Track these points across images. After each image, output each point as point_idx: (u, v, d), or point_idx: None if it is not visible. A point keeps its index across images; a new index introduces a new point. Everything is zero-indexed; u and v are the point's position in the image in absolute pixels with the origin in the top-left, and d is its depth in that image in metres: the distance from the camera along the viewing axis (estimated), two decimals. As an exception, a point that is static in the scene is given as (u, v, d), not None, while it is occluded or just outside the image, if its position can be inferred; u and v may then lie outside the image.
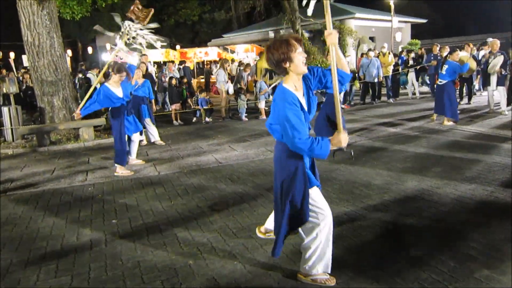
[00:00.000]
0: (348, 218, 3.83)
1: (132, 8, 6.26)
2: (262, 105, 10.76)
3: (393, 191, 4.49)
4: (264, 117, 10.50)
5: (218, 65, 12.61)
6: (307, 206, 2.58)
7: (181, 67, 15.31)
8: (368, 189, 4.59)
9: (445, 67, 7.99)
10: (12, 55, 22.93)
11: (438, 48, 11.80)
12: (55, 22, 8.94)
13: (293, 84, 2.48)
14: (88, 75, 11.69)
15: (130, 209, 4.44)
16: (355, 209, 4.03)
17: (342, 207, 4.11)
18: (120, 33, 6.14)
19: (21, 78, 15.77)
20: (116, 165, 5.92)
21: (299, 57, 2.42)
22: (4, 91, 9.61)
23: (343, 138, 2.40)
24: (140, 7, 6.28)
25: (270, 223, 3.37)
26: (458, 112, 8.69)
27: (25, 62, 21.95)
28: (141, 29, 6.19)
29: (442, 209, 3.94)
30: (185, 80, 12.06)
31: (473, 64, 8.30)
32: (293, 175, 2.53)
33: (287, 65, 2.42)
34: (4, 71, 17.62)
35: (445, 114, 8.08)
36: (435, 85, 12.46)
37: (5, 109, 8.77)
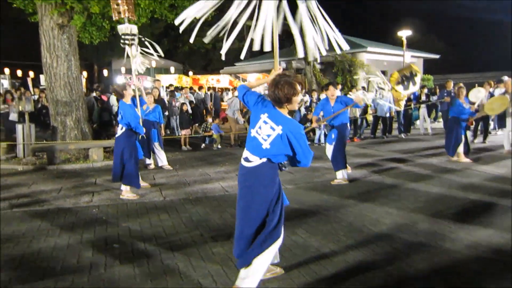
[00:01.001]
0: (355, 260, 3.66)
1: (113, 12, 6.30)
2: None
3: (403, 233, 4.33)
4: None
5: (232, 93, 12.74)
6: (282, 221, 2.92)
7: (209, 93, 15.64)
8: (377, 229, 4.45)
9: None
10: (31, 74, 23.61)
11: (452, 85, 11.77)
12: (74, 46, 9.21)
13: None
14: (112, 98, 11.99)
15: (133, 234, 4.37)
16: (362, 250, 3.89)
17: (349, 247, 3.95)
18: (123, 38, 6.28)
19: (37, 97, 16.12)
20: (122, 188, 5.87)
21: (297, 99, 2.82)
22: (20, 109, 9.79)
23: None
24: (117, 2, 6.26)
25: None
26: (473, 151, 8.63)
27: (42, 82, 22.55)
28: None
29: (455, 256, 3.71)
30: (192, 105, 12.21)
31: (504, 103, 8.13)
32: (279, 191, 2.90)
33: (286, 104, 2.81)
34: (22, 89, 18.09)
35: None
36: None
37: (19, 126, 8.92)
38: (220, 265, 3.57)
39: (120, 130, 5.76)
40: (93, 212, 5.16)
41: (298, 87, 2.78)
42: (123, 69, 24.49)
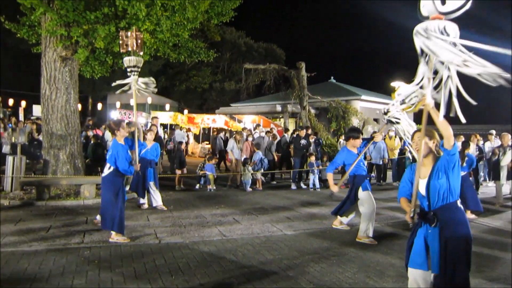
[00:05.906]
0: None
1: (121, 42, 6.37)
2: (258, 176, 10.80)
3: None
4: (260, 188, 10.59)
5: (229, 135, 12.77)
6: None
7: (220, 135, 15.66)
8: (382, 281, 4.30)
9: (466, 159, 7.60)
10: (23, 103, 23.47)
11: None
12: (75, 79, 9.19)
13: None
14: (106, 133, 11.78)
15: (127, 281, 4.12)
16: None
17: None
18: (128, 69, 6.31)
19: (28, 128, 15.92)
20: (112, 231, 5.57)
21: None
22: (13, 141, 9.58)
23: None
24: (127, 34, 6.34)
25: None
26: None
27: (35, 112, 22.35)
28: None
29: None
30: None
31: None
32: None
33: None
34: (14, 119, 17.89)
35: (468, 206, 7.35)
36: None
37: (9, 158, 8.67)
38: (223, 319, 3.35)
39: (107, 170, 5.53)
40: (84, 255, 4.90)
41: None
42: (118, 104, 24.57)
